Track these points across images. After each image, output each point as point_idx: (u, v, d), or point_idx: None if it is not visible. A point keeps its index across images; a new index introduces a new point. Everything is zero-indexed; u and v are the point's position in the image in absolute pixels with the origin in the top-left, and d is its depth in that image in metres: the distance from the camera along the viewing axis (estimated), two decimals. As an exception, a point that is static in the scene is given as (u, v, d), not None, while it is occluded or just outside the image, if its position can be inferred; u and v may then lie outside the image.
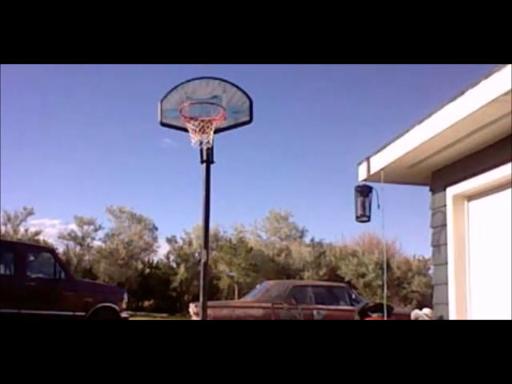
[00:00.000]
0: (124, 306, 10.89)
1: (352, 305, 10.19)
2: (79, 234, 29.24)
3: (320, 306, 10.21)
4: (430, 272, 21.47)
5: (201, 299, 6.87)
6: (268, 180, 40.27)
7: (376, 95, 38.69)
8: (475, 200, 5.18)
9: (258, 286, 12.06)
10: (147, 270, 30.05)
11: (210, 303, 7.84)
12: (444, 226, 5.42)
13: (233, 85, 7.21)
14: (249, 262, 27.77)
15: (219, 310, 9.76)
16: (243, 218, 33.17)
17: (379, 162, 5.62)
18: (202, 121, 6.73)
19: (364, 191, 5.99)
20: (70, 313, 9.82)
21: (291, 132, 40.21)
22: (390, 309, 6.72)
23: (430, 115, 4.65)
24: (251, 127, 7.32)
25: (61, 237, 28.94)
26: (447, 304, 5.29)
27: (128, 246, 29.09)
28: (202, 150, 6.86)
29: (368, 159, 5.86)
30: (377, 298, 23.65)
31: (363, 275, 26.51)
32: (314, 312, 10.06)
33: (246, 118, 7.20)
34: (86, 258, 29.35)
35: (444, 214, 5.42)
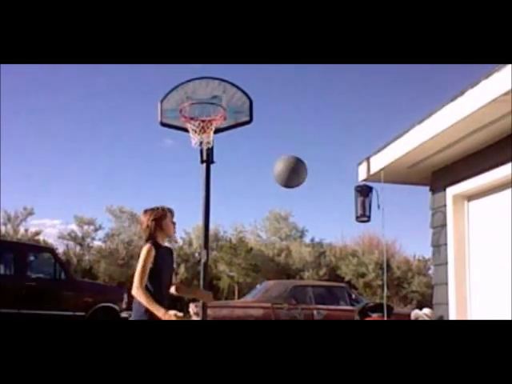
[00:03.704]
0: (124, 305, 10.90)
1: (352, 305, 10.18)
2: (79, 234, 29.25)
3: (320, 306, 10.21)
4: (430, 272, 21.46)
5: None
6: (268, 180, 40.15)
7: (376, 95, 38.68)
8: (475, 200, 5.18)
9: (258, 286, 12.06)
10: (147, 270, 30.00)
11: (210, 303, 7.83)
12: (444, 225, 5.42)
13: (233, 85, 7.22)
14: (249, 262, 27.77)
15: (219, 310, 9.76)
16: (243, 218, 33.15)
17: (379, 161, 5.62)
18: (202, 121, 6.74)
19: (364, 191, 6.00)
20: (70, 313, 9.83)
21: (291, 132, 40.19)
22: (389, 309, 6.72)
23: (430, 115, 4.65)
24: (251, 127, 7.32)
25: (61, 237, 28.95)
26: (447, 304, 5.29)
27: (128, 246, 29.09)
28: (201, 150, 6.86)
29: (368, 159, 5.87)
30: (377, 298, 23.64)
31: (363, 275, 26.51)
32: (314, 312, 10.06)
33: (246, 118, 7.20)
34: (86, 258, 29.36)
35: (444, 213, 5.42)
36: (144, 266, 3.51)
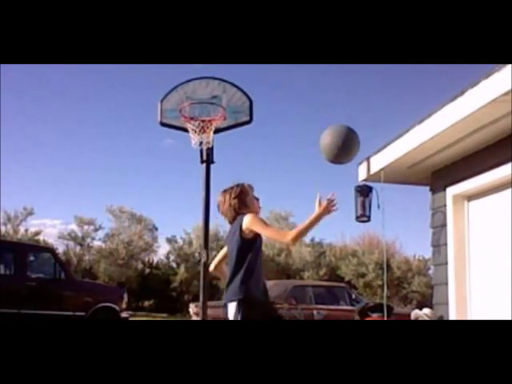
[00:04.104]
0: (124, 305, 10.90)
1: (352, 305, 10.19)
2: (79, 234, 29.25)
3: (320, 306, 10.21)
4: (430, 272, 21.46)
5: (201, 299, 6.88)
6: (268, 180, 40.21)
7: (376, 95, 38.66)
8: (475, 200, 5.18)
9: (257, 286, 12.04)
10: (147, 270, 30.07)
11: (209, 303, 7.84)
12: (444, 226, 5.42)
13: (233, 85, 7.23)
14: (249, 261, 27.73)
15: (219, 310, 9.75)
16: (243, 218, 33.13)
17: (379, 161, 5.62)
18: (202, 121, 6.75)
19: (364, 191, 5.99)
20: (70, 313, 9.83)
21: (291, 132, 40.18)
22: (389, 309, 6.72)
23: (430, 115, 4.66)
24: (251, 127, 7.33)
25: (61, 237, 28.96)
26: (447, 304, 5.29)
27: (128, 246, 29.09)
28: (201, 150, 6.87)
29: (368, 159, 5.87)
30: (377, 298, 23.63)
31: (363, 275, 26.51)
32: (314, 312, 10.06)
33: (246, 118, 7.21)
34: (86, 258, 29.37)
35: (444, 213, 5.42)
36: (263, 222, 3.12)
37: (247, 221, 3.16)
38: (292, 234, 3.03)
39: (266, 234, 3.12)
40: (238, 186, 3.40)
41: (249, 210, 3.32)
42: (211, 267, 3.69)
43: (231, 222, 3.36)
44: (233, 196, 3.33)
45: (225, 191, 3.41)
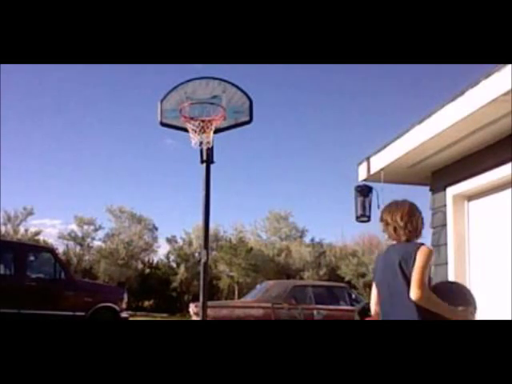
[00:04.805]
0: (124, 305, 10.91)
1: (352, 305, 10.19)
2: (79, 234, 29.31)
3: (320, 306, 10.22)
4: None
5: (201, 299, 6.89)
6: (268, 180, 40.32)
7: (376, 96, 38.71)
8: (475, 200, 5.19)
9: (258, 286, 12.08)
10: (147, 270, 30.10)
11: (210, 303, 7.85)
12: (444, 226, 5.42)
13: (233, 85, 7.23)
14: (249, 262, 27.82)
15: (219, 310, 9.78)
16: (243, 218, 33.34)
17: (379, 161, 5.62)
18: (202, 121, 6.75)
19: (364, 191, 5.99)
20: (70, 313, 9.84)
21: (291, 132, 40.27)
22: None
23: (430, 115, 4.66)
24: (251, 127, 7.34)
25: (61, 237, 29.02)
26: (447, 304, 5.29)
27: (128, 246, 29.13)
28: (201, 150, 6.87)
29: (368, 159, 5.87)
30: (377, 297, 23.64)
31: (363, 275, 26.56)
32: (314, 312, 10.07)
33: (246, 118, 7.21)
34: (86, 258, 29.41)
35: (444, 213, 5.42)
36: (426, 268, 2.77)
37: (423, 255, 2.80)
38: (421, 297, 2.74)
39: (414, 272, 2.78)
40: (420, 211, 3.02)
41: (416, 238, 2.98)
42: (373, 311, 3.17)
43: (394, 239, 2.98)
44: (421, 217, 3.00)
45: (412, 205, 3.01)
